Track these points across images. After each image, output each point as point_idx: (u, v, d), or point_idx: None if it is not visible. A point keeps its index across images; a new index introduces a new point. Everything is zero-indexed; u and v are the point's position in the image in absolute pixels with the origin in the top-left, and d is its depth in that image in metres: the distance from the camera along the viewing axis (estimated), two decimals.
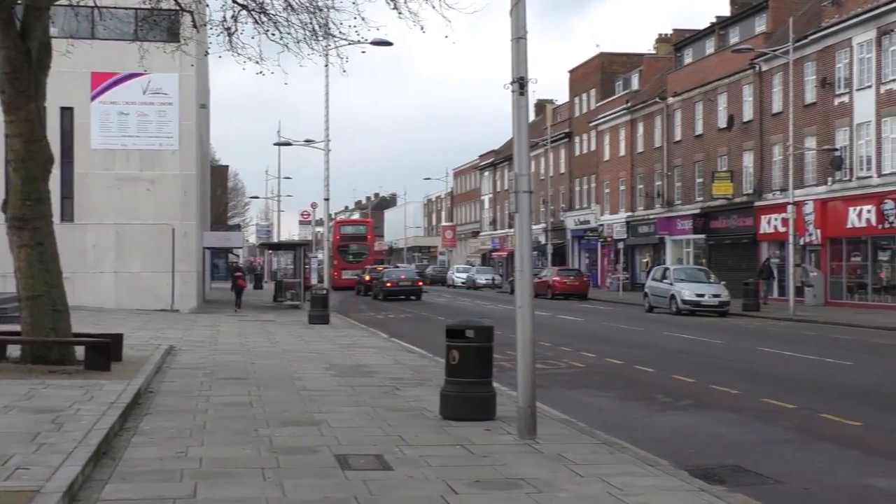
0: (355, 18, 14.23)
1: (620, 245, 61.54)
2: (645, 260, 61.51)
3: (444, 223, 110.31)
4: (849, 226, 40.41)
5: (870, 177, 39.40)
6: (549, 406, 12.39)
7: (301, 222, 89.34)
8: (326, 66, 34.95)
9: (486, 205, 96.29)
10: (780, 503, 8.13)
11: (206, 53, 21.78)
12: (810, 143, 42.53)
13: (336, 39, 14.55)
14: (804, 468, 9.66)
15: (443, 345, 11.39)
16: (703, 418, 12.76)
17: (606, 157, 67.09)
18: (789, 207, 37.13)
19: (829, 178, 41.64)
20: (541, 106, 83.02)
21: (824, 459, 10.14)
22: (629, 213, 63.37)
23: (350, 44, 14.69)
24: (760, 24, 50.04)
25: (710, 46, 55.49)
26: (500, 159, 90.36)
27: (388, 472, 8.63)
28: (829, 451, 10.57)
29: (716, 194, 50.32)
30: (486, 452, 9.44)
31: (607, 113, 66.13)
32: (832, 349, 22.54)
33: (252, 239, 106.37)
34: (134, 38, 20.82)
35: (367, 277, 57.33)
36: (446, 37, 23.44)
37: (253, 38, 14.24)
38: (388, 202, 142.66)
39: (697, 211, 53.61)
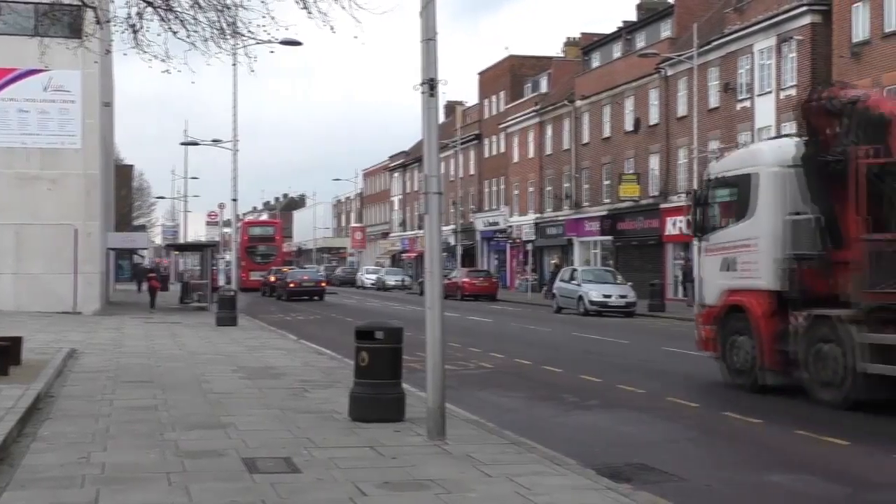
0: (264, 17, 14.01)
1: (529, 246, 62.08)
2: (553, 261, 62.11)
3: (353, 224, 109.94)
4: None
5: None
6: (459, 407, 12.42)
7: (208, 223, 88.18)
8: (234, 65, 34.49)
9: (396, 206, 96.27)
10: (684, 499, 8.26)
11: (109, 51, 21.30)
12: (714, 146, 43.44)
13: (244, 38, 14.34)
14: (706, 465, 9.86)
15: (352, 346, 11.34)
16: (610, 417, 12.93)
17: (516, 158, 67.61)
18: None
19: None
20: (451, 107, 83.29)
21: (726, 456, 10.37)
22: (538, 215, 63.94)
23: (259, 43, 14.50)
24: (666, 30, 50.97)
25: (617, 51, 56.34)
26: (410, 160, 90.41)
27: (297, 474, 8.55)
28: (730, 448, 10.81)
29: (623, 196, 51.07)
30: (396, 454, 9.43)
31: (516, 115, 66.64)
32: None
33: (158, 240, 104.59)
34: (34, 34, 20.27)
35: (273, 278, 57.43)
36: (356, 37, 23.49)
37: (159, 35, 13.96)
38: (297, 203, 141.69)
39: (605, 213, 54.34)
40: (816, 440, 11.12)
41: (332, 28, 13.71)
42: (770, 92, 40.34)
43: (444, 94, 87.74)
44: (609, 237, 54.12)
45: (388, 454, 9.42)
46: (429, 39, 10.31)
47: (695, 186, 18.46)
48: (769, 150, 16.25)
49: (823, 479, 9.22)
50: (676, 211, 46.34)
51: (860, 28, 35.52)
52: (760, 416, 12.77)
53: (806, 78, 38.09)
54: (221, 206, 73.21)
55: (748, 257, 15.52)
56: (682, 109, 46.59)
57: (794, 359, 14.33)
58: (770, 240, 15.00)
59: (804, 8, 38.02)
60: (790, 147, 15.37)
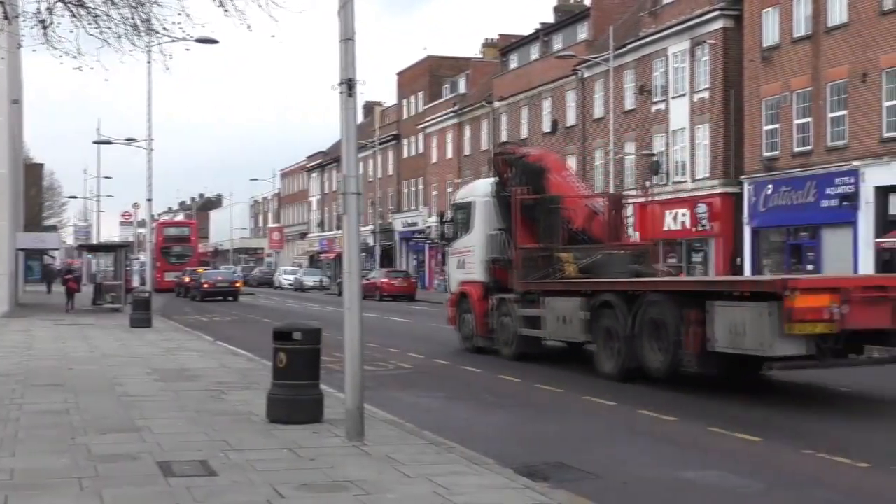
0: (179, 15, 13.77)
1: None
2: None
3: (271, 224, 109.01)
4: (665, 228, 42.04)
5: (684, 181, 41.10)
6: (378, 407, 12.39)
7: (122, 223, 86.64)
8: (149, 62, 34.12)
9: (314, 206, 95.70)
10: (600, 497, 8.35)
11: (19, 46, 20.79)
12: (630, 148, 44.05)
13: (159, 36, 14.10)
14: (623, 462, 9.98)
15: (270, 348, 11.24)
16: (528, 417, 13.02)
17: (434, 159, 67.71)
18: None
19: (648, 182, 43.21)
20: (369, 107, 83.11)
21: (642, 453, 10.50)
22: None
23: (174, 41, 14.27)
24: (582, 32, 51.52)
25: (534, 52, 56.76)
26: (328, 160, 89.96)
27: (213, 477, 8.44)
28: (646, 446, 10.95)
29: None
30: (314, 455, 9.37)
31: (435, 116, 66.75)
32: None
33: (70, 240, 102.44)
34: None
35: (187, 279, 57.03)
36: (273, 36, 23.21)
37: (71, 31, 13.64)
38: (213, 203, 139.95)
39: None
40: (729, 436, 11.33)
41: (248, 27, 13.62)
42: (684, 95, 41.04)
43: (363, 95, 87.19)
44: None
45: (307, 456, 9.36)
46: (347, 39, 10.26)
47: (445, 211, 26.88)
48: (482, 185, 23.49)
49: (737, 474, 9.39)
50: None
51: (770, 33, 36.34)
52: (675, 413, 12.98)
53: (718, 81, 38.87)
54: (136, 206, 71.81)
55: (470, 259, 22.24)
56: (598, 111, 47.13)
57: (492, 328, 21.00)
58: (480, 247, 21.80)
59: (717, 13, 38.77)
60: (492, 184, 22.38)
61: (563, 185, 21.38)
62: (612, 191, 38.00)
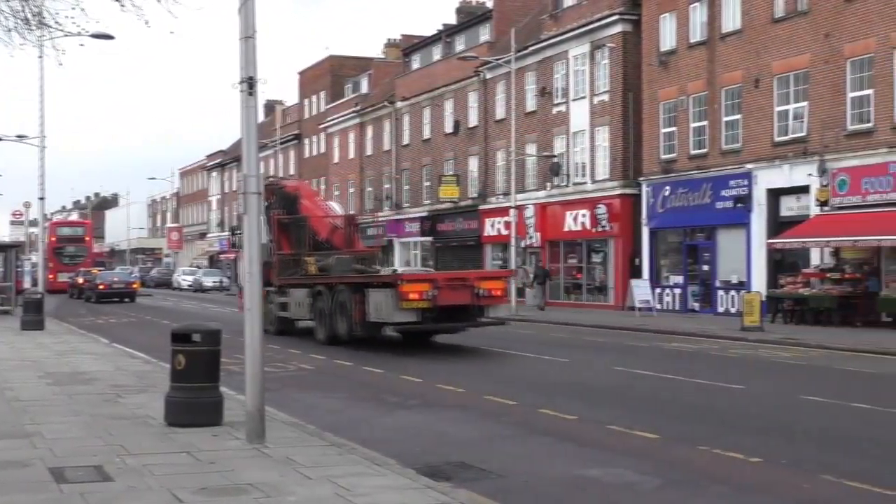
0: (74, 9, 13.45)
1: None
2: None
3: (169, 224, 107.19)
4: (566, 229, 42.56)
5: (585, 183, 41.66)
6: (279, 409, 12.28)
7: (13, 222, 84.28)
8: (41, 57, 33.26)
9: (214, 206, 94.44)
10: (502, 496, 8.40)
11: None
12: (531, 149, 44.46)
13: (51, 30, 13.75)
14: (524, 461, 10.05)
15: (168, 349, 11.04)
16: (431, 417, 13.03)
17: (336, 159, 67.42)
18: (512, 211, 38.67)
19: (549, 184, 43.69)
20: (270, 106, 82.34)
21: (543, 452, 10.59)
22: (359, 216, 63.90)
23: (67, 35, 13.94)
24: (485, 34, 51.83)
25: (437, 53, 56.92)
26: (228, 160, 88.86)
27: (109, 483, 8.25)
28: (547, 445, 11.05)
29: (442, 198, 51.64)
30: (214, 459, 9.23)
31: (337, 115, 66.46)
32: (550, 347, 23.63)
33: None
34: None
35: (81, 280, 55.85)
36: (172, 32, 23.01)
37: None
38: (109, 202, 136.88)
39: (425, 214, 54.82)
40: (628, 434, 11.51)
41: (147, 22, 13.33)
42: (584, 97, 41.60)
43: (264, 93, 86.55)
44: (429, 238, 54.65)
45: (206, 459, 9.21)
46: (247, 37, 10.14)
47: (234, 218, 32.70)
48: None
49: (635, 471, 9.54)
50: (495, 212, 47.27)
51: (668, 38, 37.07)
52: (576, 412, 13.14)
53: (618, 84, 39.50)
54: (27, 204, 70.03)
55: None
56: (500, 112, 47.47)
57: (264, 313, 24.38)
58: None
59: (616, 17, 39.38)
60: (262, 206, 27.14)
61: (312, 208, 28.71)
62: (511, 191, 38.38)
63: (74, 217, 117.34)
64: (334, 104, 67.98)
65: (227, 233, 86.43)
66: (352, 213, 34.60)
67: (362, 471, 8.85)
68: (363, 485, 8.27)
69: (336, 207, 33.06)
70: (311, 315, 24.79)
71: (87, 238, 69.15)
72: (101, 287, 52.15)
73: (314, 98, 72.56)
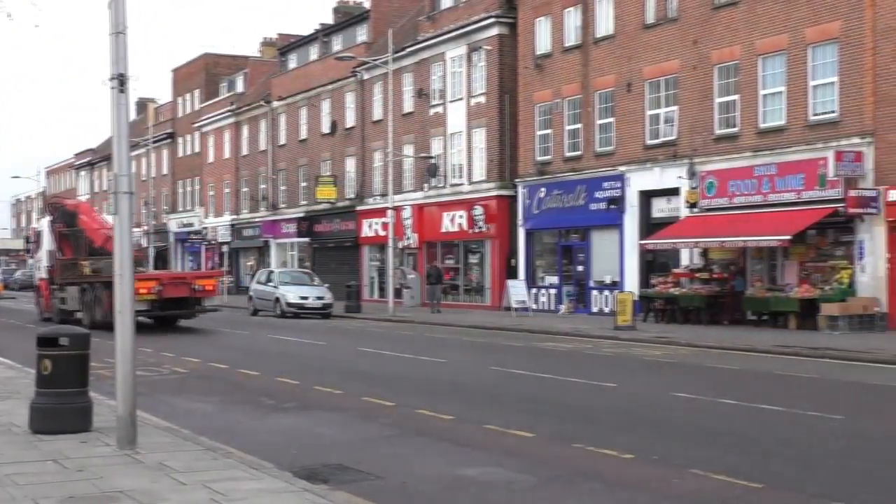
0: None
1: (225, 248, 61.06)
2: (250, 263, 61.48)
3: (35, 225, 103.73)
4: (443, 230, 42.77)
5: (461, 184, 41.95)
6: (151, 414, 12.02)
7: None
8: None
9: None
10: (379, 497, 8.38)
11: None
12: (409, 150, 44.56)
13: None
14: (402, 462, 10.06)
15: (34, 354, 10.68)
16: (308, 419, 12.93)
17: (211, 159, 66.38)
18: (389, 212, 38.68)
19: (426, 185, 43.85)
20: (142, 104, 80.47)
21: (421, 453, 10.62)
22: (234, 216, 63.10)
23: None
24: (362, 34, 51.71)
25: (314, 53, 56.55)
26: (97, 159, 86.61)
27: None
28: (425, 445, 11.08)
29: (319, 198, 51.34)
30: (82, 466, 8.96)
31: (212, 114, 65.45)
32: (428, 347, 23.74)
33: None
34: None
35: None
36: (37, 26, 22.10)
37: None
38: None
39: (302, 214, 54.40)
40: (504, 433, 11.63)
41: (9, 15, 12.86)
42: (461, 99, 41.89)
43: (136, 91, 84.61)
44: (306, 239, 54.26)
45: (74, 467, 8.94)
46: (118, 33, 9.89)
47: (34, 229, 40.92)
48: (45, 221, 36.23)
49: (512, 470, 9.64)
50: (372, 213, 47.22)
51: (543, 41, 37.63)
52: (452, 412, 13.21)
53: (494, 86, 39.91)
54: None
55: (40, 265, 35.74)
56: (377, 113, 47.45)
57: (52, 306, 33.20)
58: (44, 258, 34.69)
59: (492, 20, 39.77)
60: (49, 220, 35.03)
61: (89, 221, 33.70)
62: (389, 192, 38.46)
63: None
64: (209, 103, 66.91)
65: None
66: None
67: (238, 475, 8.72)
68: (239, 489, 8.15)
69: (111, 220, 41.22)
70: (81, 307, 30.83)
71: None
72: None
73: (188, 96, 71.28)
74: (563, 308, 35.99)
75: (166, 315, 30.43)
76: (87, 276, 30.66)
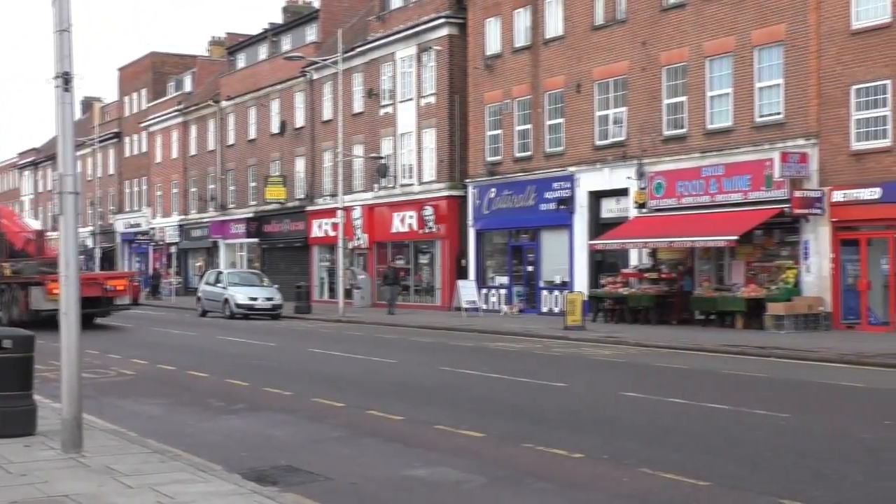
0: None
1: (173, 249, 60.50)
2: (198, 264, 60.98)
3: None
4: (393, 230, 42.72)
5: (412, 184, 41.93)
6: (98, 417, 11.87)
7: None
8: None
9: (27, 206, 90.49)
10: (329, 499, 8.35)
11: None
12: (359, 150, 44.45)
13: None
14: (352, 463, 10.02)
15: None
16: (257, 421, 12.84)
17: (158, 159, 65.74)
18: (339, 212, 38.54)
19: (376, 185, 43.77)
20: (88, 103, 79.51)
21: (370, 454, 10.58)
22: (182, 217, 62.54)
23: None
24: (311, 34, 51.51)
25: (263, 52, 56.22)
26: (42, 158, 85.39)
27: None
28: (374, 446, 11.04)
29: (269, 199, 51.04)
30: (26, 471, 8.82)
31: (159, 114, 64.81)
32: (378, 348, 23.68)
33: None
34: None
35: None
36: None
37: None
38: None
39: (251, 215, 54.06)
40: (454, 433, 11.63)
41: None
42: (412, 99, 41.86)
43: (81, 90, 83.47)
44: (255, 239, 53.93)
45: (17, 471, 8.79)
46: (62, 30, 9.75)
47: None
48: None
49: (461, 470, 9.64)
50: (322, 213, 47.05)
51: (493, 42, 37.72)
52: (402, 413, 13.19)
53: (444, 86, 39.93)
54: None
55: None
56: (327, 113, 47.26)
57: None
58: None
59: (442, 20, 39.79)
60: None
61: (10, 225, 34.63)
62: (339, 192, 38.36)
63: None
64: (156, 102, 66.25)
65: None
66: (41, 228, 41.50)
67: (186, 477, 8.63)
68: (187, 492, 8.07)
69: (33, 224, 42.33)
70: (1, 306, 31.97)
71: None
72: None
73: (135, 95, 70.52)
74: (505, 309, 36.07)
75: (83, 313, 32.85)
76: (7, 277, 31.62)
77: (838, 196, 25.86)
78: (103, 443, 10.21)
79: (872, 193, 25.12)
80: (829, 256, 26.37)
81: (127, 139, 71.16)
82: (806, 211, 26.22)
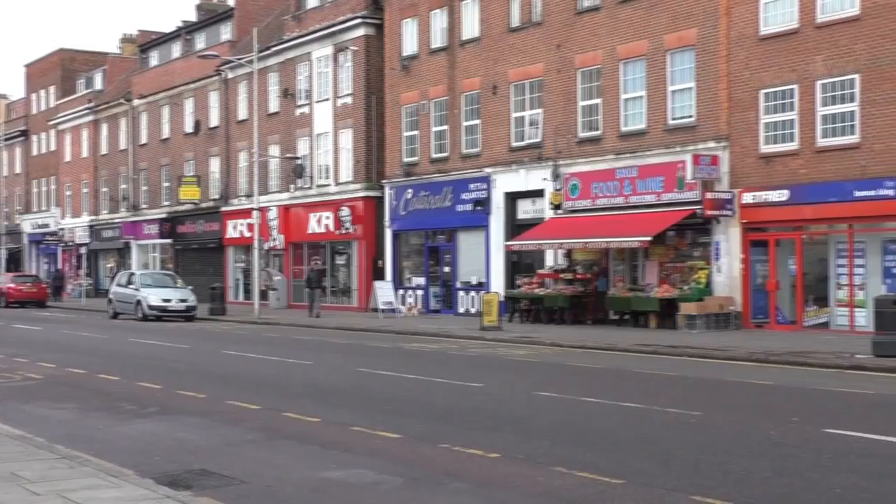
0: None
1: (84, 250, 59.35)
2: (110, 265, 59.89)
3: None
4: (310, 231, 42.46)
5: (328, 185, 41.72)
6: (2, 422, 11.57)
7: None
8: None
9: None
10: (244, 502, 8.25)
11: None
12: (274, 150, 44.08)
13: None
14: (268, 466, 9.92)
15: None
16: (170, 424, 12.63)
17: (68, 157, 64.41)
18: (254, 213, 38.18)
19: (292, 186, 43.45)
20: None
21: (286, 456, 10.49)
22: (93, 217, 61.35)
23: None
24: (226, 33, 50.96)
25: (176, 50, 55.47)
26: None
27: None
28: (290, 448, 10.95)
29: (183, 199, 50.36)
30: None
31: (68, 112, 63.50)
32: (294, 350, 23.51)
33: None
34: None
35: None
36: None
37: None
38: None
39: (164, 215, 53.26)
40: (371, 434, 11.59)
41: None
42: (328, 99, 41.66)
43: None
44: (169, 240, 53.15)
45: None
46: None
47: None
48: None
49: (378, 471, 9.61)
50: (238, 214, 46.57)
51: (409, 43, 37.74)
52: (319, 414, 13.10)
53: (361, 87, 39.81)
54: None
55: None
56: (242, 113, 46.80)
57: None
58: None
59: (359, 20, 39.67)
60: None
61: None
62: (254, 193, 37.96)
63: None
64: (65, 100, 64.90)
65: None
66: None
67: (96, 483, 8.44)
68: (97, 498, 7.89)
69: None
70: None
71: None
72: None
73: (43, 93, 68.99)
74: (403, 309, 36.05)
75: None
76: None
77: (748, 198, 26.42)
78: (8, 449, 9.94)
79: (780, 195, 25.73)
80: (739, 257, 26.93)
81: (34, 137, 69.58)
82: (717, 212, 26.73)
